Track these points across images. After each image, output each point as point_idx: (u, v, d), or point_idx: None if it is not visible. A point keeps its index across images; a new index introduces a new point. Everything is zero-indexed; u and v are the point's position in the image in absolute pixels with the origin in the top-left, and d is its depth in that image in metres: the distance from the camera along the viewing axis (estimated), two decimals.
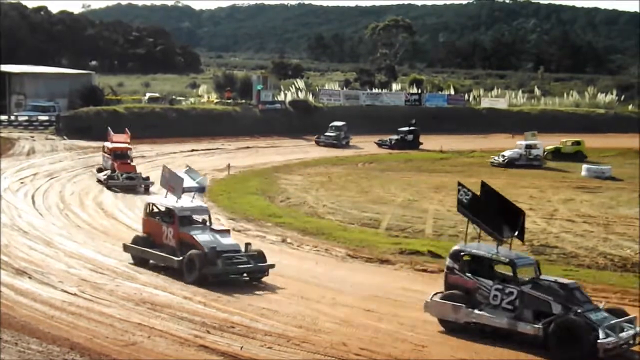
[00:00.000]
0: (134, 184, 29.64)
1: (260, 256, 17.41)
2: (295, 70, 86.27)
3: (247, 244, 17.78)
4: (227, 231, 18.74)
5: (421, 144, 48.38)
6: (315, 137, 48.39)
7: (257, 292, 16.48)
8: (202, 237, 17.50)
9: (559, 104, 68.17)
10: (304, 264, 19.39)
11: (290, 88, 62.31)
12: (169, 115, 50.44)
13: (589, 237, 22.87)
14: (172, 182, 18.43)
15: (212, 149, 44.68)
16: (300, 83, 65.61)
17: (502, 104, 64.98)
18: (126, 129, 32.45)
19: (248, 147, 46.46)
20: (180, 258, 17.09)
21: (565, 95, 71.09)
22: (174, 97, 59.33)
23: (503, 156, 41.73)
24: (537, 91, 74.32)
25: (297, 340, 13.18)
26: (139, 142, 38.13)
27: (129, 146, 31.54)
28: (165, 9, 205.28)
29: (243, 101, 56.50)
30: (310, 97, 59.96)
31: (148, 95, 59.42)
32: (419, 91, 66.68)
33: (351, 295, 16.25)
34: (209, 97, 60.44)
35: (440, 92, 68.18)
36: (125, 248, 18.77)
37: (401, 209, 27.21)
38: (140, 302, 15.21)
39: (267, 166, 38.73)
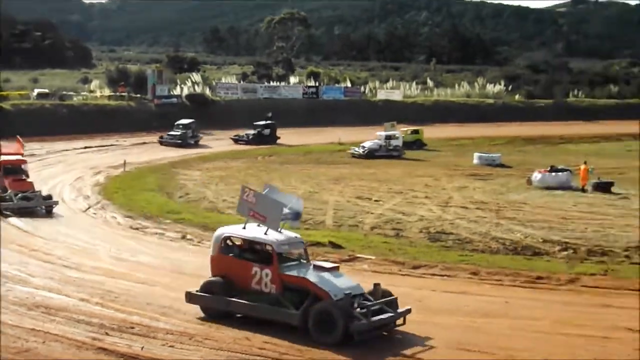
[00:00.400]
0: (32, 206, 24.78)
1: (394, 300, 13.39)
2: (191, 64, 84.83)
3: (376, 285, 13.50)
4: (337, 268, 14.07)
5: (278, 138, 47.73)
6: (159, 137, 45.47)
7: (156, 292, 16.14)
8: (316, 278, 13.16)
9: (451, 94, 70.61)
10: (205, 260, 19.09)
11: (187, 82, 61.56)
12: (59, 112, 48.76)
13: (482, 223, 23.77)
14: (261, 209, 13.67)
15: (106, 146, 43.52)
16: (196, 77, 64.84)
17: (397, 95, 66.61)
18: (18, 137, 27.72)
19: (144, 143, 45.47)
20: (298, 312, 12.87)
21: (456, 86, 73.66)
22: (64, 92, 57.26)
23: (363, 147, 42.66)
24: (429, 82, 76.62)
25: (200, 337, 13.02)
26: (27, 140, 36.38)
27: (23, 158, 26.47)
28: (51, 1, 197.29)
29: (138, 96, 55.27)
30: (207, 91, 59.31)
31: (37, 91, 56.91)
32: (316, 84, 67.29)
33: None
34: (101, 92, 58.71)
35: (337, 85, 69.04)
36: (191, 298, 14.10)
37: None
38: (34, 306, 14.58)
39: (164, 162, 38.07)
